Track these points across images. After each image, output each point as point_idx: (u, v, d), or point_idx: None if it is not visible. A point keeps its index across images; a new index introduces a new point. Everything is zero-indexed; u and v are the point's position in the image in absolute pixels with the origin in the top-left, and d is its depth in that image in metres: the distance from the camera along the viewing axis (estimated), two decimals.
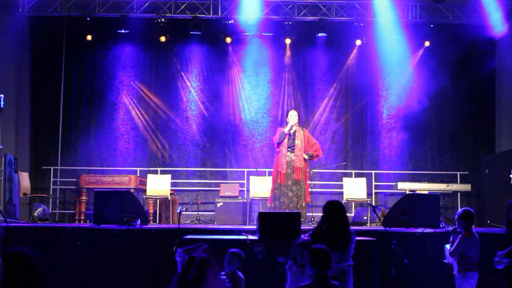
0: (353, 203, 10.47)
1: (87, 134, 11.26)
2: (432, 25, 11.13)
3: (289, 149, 8.75)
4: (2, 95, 8.09)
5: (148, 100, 11.46)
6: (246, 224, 9.33)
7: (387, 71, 11.45)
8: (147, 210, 9.56)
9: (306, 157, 8.83)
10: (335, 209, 4.92)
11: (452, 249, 5.37)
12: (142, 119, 11.41)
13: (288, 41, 11.29)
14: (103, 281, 6.91)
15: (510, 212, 4.82)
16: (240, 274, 4.81)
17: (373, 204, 10.09)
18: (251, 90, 11.51)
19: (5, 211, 8.34)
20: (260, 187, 10.19)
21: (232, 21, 11.05)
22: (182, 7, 11.19)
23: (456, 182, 10.79)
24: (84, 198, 10.10)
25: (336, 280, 4.43)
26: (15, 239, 6.87)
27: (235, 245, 5.93)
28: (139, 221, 7.52)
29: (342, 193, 10.40)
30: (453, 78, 11.00)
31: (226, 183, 10.80)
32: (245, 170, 11.11)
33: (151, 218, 9.61)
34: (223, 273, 4.60)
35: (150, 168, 11.04)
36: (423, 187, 10.13)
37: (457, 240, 5.37)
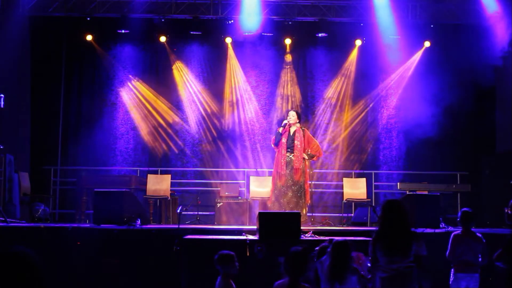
0: (353, 203, 10.47)
1: (87, 134, 11.25)
2: (432, 25, 11.14)
3: (288, 150, 8.74)
4: (2, 95, 8.09)
5: (148, 100, 11.47)
6: (246, 224, 9.33)
7: (387, 71, 11.46)
8: (147, 210, 9.56)
9: (306, 157, 8.82)
10: (386, 209, 4.62)
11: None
12: (142, 119, 11.41)
13: (288, 41, 11.30)
14: (103, 281, 6.91)
15: None
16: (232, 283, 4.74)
17: (373, 204, 10.11)
18: (251, 90, 11.51)
19: (5, 211, 8.34)
20: (260, 187, 10.19)
21: (232, 21, 11.06)
22: (182, 7, 11.19)
23: (456, 183, 10.79)
24: (84, 198, 10.08)
25: (395, 281, 4.39)
26: (15, 239, 6.88)
27: (235, 245, 5.94)
28: (139, 221, 7.54)
29: (342, 193, 10.39)
30: (453, 78, 10.99)
31: (226, 183, 10.80)
32: (245, 170, 11.12)
33: (151, 218, 9.60)
34: None
35: (150, 168, 11.04)
36: (423, 188, 10.13)
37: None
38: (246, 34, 11.14)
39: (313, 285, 4.17)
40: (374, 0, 10.96)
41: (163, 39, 11.18)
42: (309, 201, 9.13)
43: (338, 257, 4.25)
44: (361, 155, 11.47)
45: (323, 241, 5.53)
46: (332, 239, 4.63)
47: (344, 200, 10.16)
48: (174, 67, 11.49)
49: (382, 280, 4.46)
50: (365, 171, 11.20)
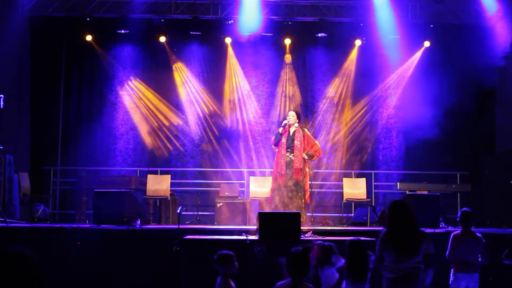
0: (353, 203, 10.47)
1: (87, 134, 11.23)
2: (432, 25, 11.14)
3: (288, 150, 8.74)
4: (2, 95, 8.09)
5: (148, 100, 11.47)
6: (246, 224, 9.33)
7: (387, 71, 11.46)
8: (147, 210, 9.56)
9: (306, 157, 8.82)
10: (394, 210, 4.67)
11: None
12: (142, 119, 11.41)
13: (288, 41, 11.29)
14: (102, 281, 6.91)
15: None
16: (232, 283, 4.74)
17: (373, 204, 10.11)
18: (251, 91, 11.52)
19: (5, 211, 8.34)
20: (260, 187, 10.19)
21: (232, 21, 11.06)
22: (182, 7, 11.19)
23: (456, 183, 10.79)
24: (84, 198, 10.08)
25: (401, 281, 4.40)
26: (15, 239, 6.88)
27: (235, 245, 5.94)
28: (139, 221, 7.54)
29: (342, 193, 10.40)
30: (453, 78, 10.97)
31: (226, 183, 10.80)
32: (245, 170, 11.12)
33: (151, 218, 9.61)
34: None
35: (150, 168, 11.04)
36: (423, 187, 10.13)
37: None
38: (246, 34, 11.14)
39: (314, 285, 4.18)
40: (373, 0, 10.96)
41: (162, 39, 11.18)
42: (309, 201, 9.13)
43: (357, 257, 4.30)
44: (361, 155, 11.47)
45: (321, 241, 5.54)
46: (322, 243, 4.68)
47: (344, 200, 10.16)
48: (174, 67, 11.49)
49: (388, 281, 4.47)
50: (365, 171, 11.20)
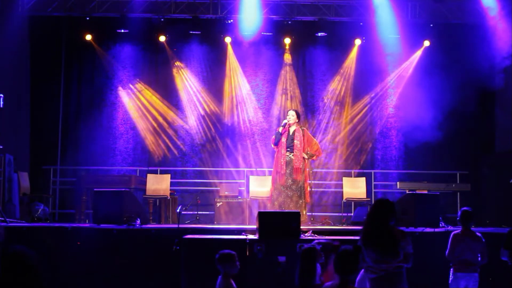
0: (352, 203, 10.47)
1: (87, 133, 11.23)
2: (432, 25, 11.14)
3: (288, 149, 8.74)
4: (1, 95, 8.09)
5: (148, 100, 11.46)
6: (246, 223, 9.33)
7: (387, 71, 11.47)
8: (147, 210, 9.56)
9: (306, 157, 8.82)
10: (375, 208, 4.64)
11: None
12: (142, 119, 11.40)
13: (287, 41, 11.29)
14: (102, 281, 6.91)
15: None
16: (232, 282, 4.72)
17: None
18: (251, 90, 11.51)
19: (4, 211, 8.34)
20: (260, 186, 10.19)
21: (232, 20, 11.06)
22: (182, 6, 11.19)
23: (456, 182, 10.79)
24: (83, 197, 10.06)
25: (385, 281, 4.39)
26: (15, 239, 6.88)
27: (235, 245, 5.94)
28: (139, 221, 7.54)
29: (342, 192, 10.40)
30: (452, 78, 10.97)
31: (225, 182, 10.80)
32: (245, 170, 11.12)
33: (150, 217, 9.60)
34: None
35: (149, 168, 11.04)
36: (422, 187, 10.13)
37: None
38: (246, 33, 11.14)
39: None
40: (373, 0, 10.96)
41: (162, 38, 11.18)
42: (309, 201, 9.12)
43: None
44: (361, 155, 11.47)
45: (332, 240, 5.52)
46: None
47: (343, 199, 10.16)
48: (173, 66, 11.49)
49: (371, 281, 4.46)
50: (364, 171, 11.20)
